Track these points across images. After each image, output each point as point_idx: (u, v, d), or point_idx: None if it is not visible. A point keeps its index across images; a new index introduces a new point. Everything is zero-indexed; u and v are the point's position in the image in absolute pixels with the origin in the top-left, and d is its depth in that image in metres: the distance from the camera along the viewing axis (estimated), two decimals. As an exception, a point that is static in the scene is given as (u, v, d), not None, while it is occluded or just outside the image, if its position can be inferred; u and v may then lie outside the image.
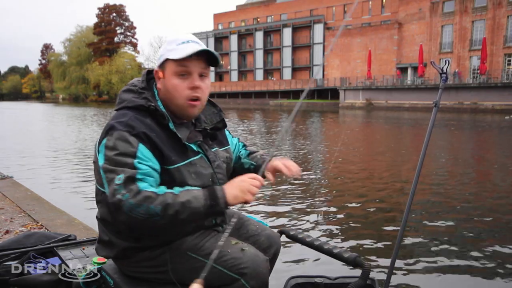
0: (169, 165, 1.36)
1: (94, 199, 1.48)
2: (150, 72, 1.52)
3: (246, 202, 1.34)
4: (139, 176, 1.27)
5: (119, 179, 1.25)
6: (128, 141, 1.31)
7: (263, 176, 1.48)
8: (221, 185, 1.36)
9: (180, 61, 1.37)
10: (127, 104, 1.40)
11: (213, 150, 1.53)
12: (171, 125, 1.39)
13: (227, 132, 1.71)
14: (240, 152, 1.76)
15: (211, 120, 1.56)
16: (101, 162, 1.32)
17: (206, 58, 1.41)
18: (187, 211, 1.26)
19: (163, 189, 1.29)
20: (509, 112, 28.82)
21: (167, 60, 1.39)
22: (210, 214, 1.32)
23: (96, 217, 1.50)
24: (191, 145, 1.43)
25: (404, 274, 3.57)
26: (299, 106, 1.49)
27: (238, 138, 1.80)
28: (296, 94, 50.49)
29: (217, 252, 1.24)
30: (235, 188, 1.33)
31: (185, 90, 1.40)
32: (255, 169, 1.65)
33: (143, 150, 1.32)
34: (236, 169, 1.73)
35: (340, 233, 4.73)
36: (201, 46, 1.39)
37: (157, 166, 1.34)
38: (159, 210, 1.23)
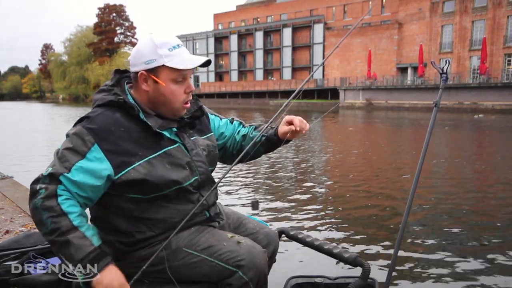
0: (136, 161, 1.35)
1: None
2: (118, 71, 1.53)
3: None
4: (63, 179, 1.27)
5: (47, 170, 1.28)
6: (84, 139, 1.31)
7: (283, 140, 1.58)
8: (111, 260, 1.30)
9: (182, 70, 1.40)
10: (98, 102, 1.42)
11: (192, 138, 1.53)
12: (141, 115, 1.40)
13: (212, 116, 1.72)
14: (238, 131, 1.75)
15: (188, 109, 1.56)
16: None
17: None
18: (63, 250, 1.24)
19: (75, 212, 1.26)
20: (510, 112, 28.83)
21: (163, 66, 1.39)
22: (79, 268, 1.26)
23: (89, 219, 1.51)
24: (164, 132, 1.43)
25: (404, 274, 3.57)
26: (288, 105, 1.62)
27: (232, 118, 1.79)
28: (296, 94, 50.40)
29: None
30: (103, 283, 1.25)
31: (182, 94, 1.44)
32: (268, 140, 1.66)
33: (95, 152, 1.31)
34: (245, 146, 1.69)
35: (340, 233, 4.73)
36: (200, 58, 1.44)
37: (103, 172, 1.31)
38: (49, 227, 1.23)
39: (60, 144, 1.36)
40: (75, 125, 1.38)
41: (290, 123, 1.60)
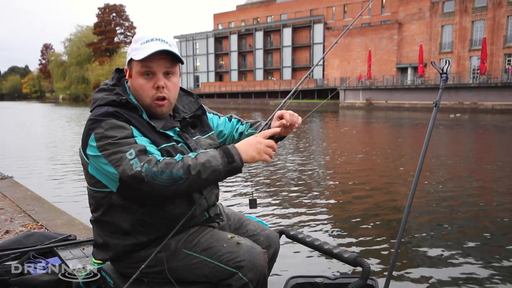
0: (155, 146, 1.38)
1: None
2: (120, 70, 1.53)
3: (265, 161, 1.37)
4: (149, 149, 1.30)
5: (130, 154, 1.26)
6: (120, 125, 1.32)
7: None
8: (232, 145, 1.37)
9: (144, 61, 1.38)
10: (99, 102, 1.41)
11: (194, 138, 1.53)
12: (144, 116, 1.41)
13: (210, 115, 1.72)
14: (237, 128, 1.76)
15: (189, 109, 1.57)
16: (95, 152, 1.30)
17: (171, 56, 1.42)
18: (208, 170, 1.26)
19: (178, 155, 1.31)
20: (509, 112, 28.82)
21: (131, 60, 1.41)
22: (229, 171, 1.30)
23: (90, 220, 1.50)
24: (168, 132, 1.44)
25: (404, 274, 3.57)
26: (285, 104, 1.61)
27: (230, 116, 1.79)
28: (296, 94, 50.40)
29: None
30: (251, 150, 1.33)
31: (151, 90, 1.41)
32: None
33: (135, 132, 1.34)
34: None
35: (340, 233, 4.73)
36: (163, 45, 1.38)
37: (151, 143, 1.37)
38: (181, 173, 1.24)
39: (94, 157, 1.31)
40: (92, 129, 1.32)
41: (281, 118, 1.57)
